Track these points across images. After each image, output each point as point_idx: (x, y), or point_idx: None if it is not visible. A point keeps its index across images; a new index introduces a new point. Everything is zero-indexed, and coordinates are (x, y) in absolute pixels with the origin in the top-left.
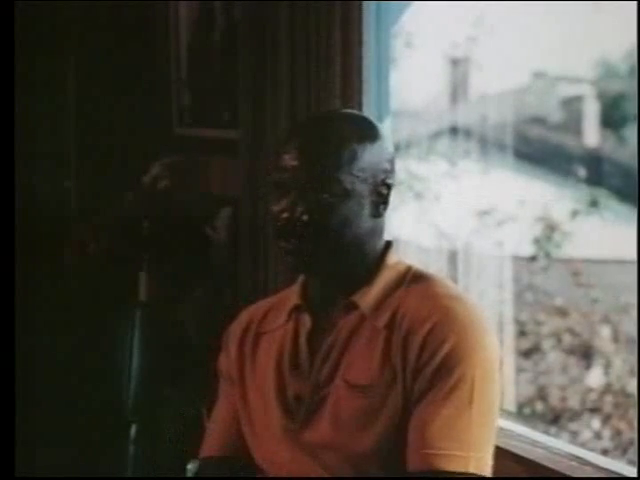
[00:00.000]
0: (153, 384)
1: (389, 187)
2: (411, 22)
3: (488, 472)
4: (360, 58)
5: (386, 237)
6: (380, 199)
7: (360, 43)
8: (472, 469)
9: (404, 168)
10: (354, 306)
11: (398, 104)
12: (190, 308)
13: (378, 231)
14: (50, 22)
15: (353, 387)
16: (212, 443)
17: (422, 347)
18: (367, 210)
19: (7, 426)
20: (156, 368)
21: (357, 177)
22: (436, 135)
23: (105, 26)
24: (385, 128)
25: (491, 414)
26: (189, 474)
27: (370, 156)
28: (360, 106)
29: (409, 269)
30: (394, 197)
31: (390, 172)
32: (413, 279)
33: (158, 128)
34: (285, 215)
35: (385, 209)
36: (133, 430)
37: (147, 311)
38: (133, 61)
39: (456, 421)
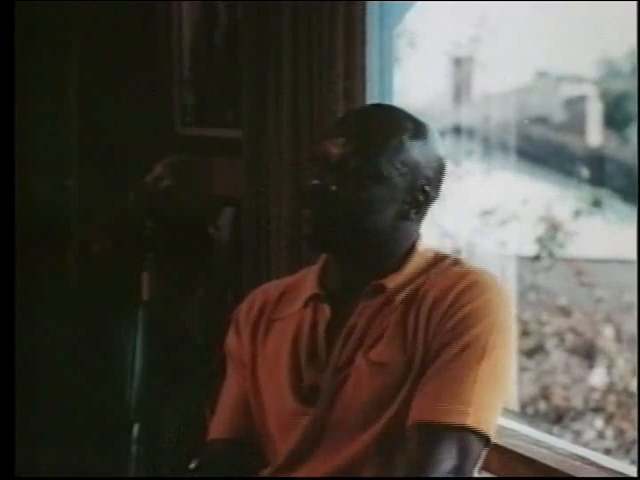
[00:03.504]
0: (155, 384)
1: (427, 196)
2: (414, 22)
3: (489, 431)
4: (363, 58)
5: None
6: (413, 203)
7: (363, 43)
8: (470, 423)
9: None
10: (381, 289)
11: (401, 104)
12: (192, 308)
13: (405, 231)
14: (51, 21)
15: (373, 364)
16: (220, 425)
17: (446, 311)
18: (396, 205)
19: (7, 426)
20: (158, 368)
21: (397, 168)
22: (439, 135)
23: (107, 25)
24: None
25: (500, 378)
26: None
27: (416, 154)
28: None
29: (435, 254)
30: None
31: (431, 181)
32: (438, 260)
33: (160, 128)
34: (314, 182)
35: (416, 215)
36: (135, 430)
37: (149, 311)
38: (135, 60)
39: (462, 379)
